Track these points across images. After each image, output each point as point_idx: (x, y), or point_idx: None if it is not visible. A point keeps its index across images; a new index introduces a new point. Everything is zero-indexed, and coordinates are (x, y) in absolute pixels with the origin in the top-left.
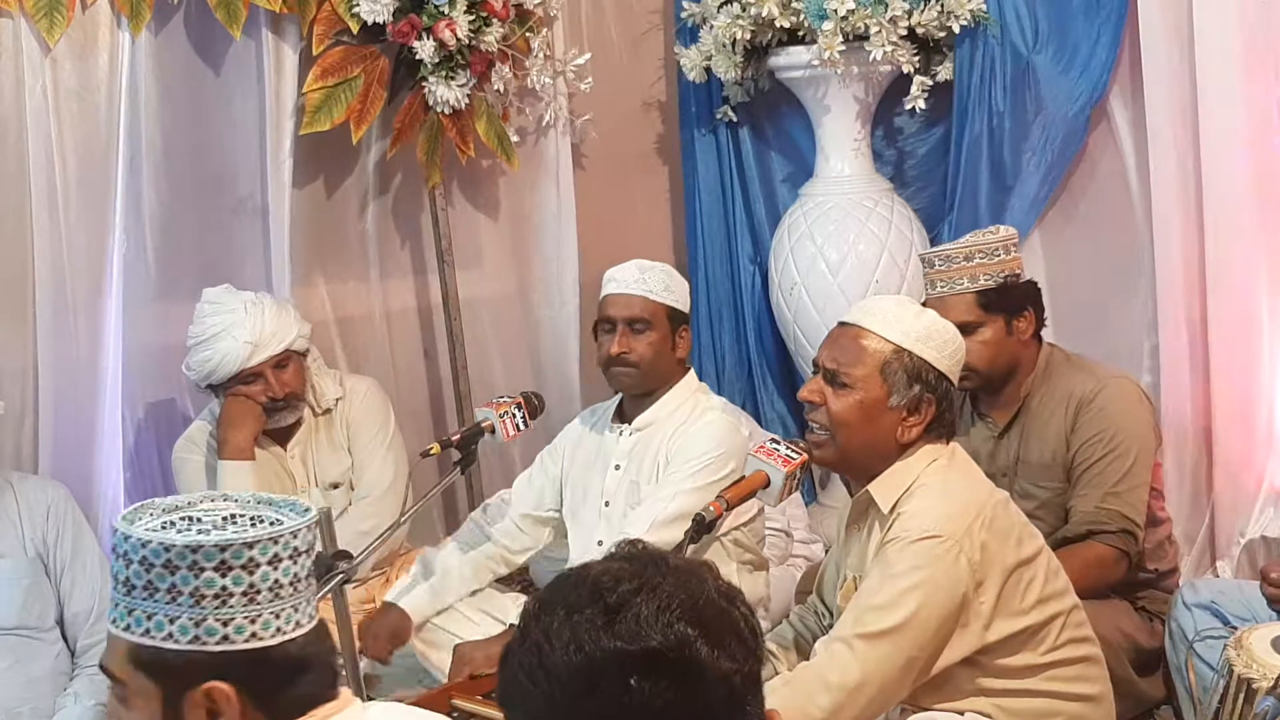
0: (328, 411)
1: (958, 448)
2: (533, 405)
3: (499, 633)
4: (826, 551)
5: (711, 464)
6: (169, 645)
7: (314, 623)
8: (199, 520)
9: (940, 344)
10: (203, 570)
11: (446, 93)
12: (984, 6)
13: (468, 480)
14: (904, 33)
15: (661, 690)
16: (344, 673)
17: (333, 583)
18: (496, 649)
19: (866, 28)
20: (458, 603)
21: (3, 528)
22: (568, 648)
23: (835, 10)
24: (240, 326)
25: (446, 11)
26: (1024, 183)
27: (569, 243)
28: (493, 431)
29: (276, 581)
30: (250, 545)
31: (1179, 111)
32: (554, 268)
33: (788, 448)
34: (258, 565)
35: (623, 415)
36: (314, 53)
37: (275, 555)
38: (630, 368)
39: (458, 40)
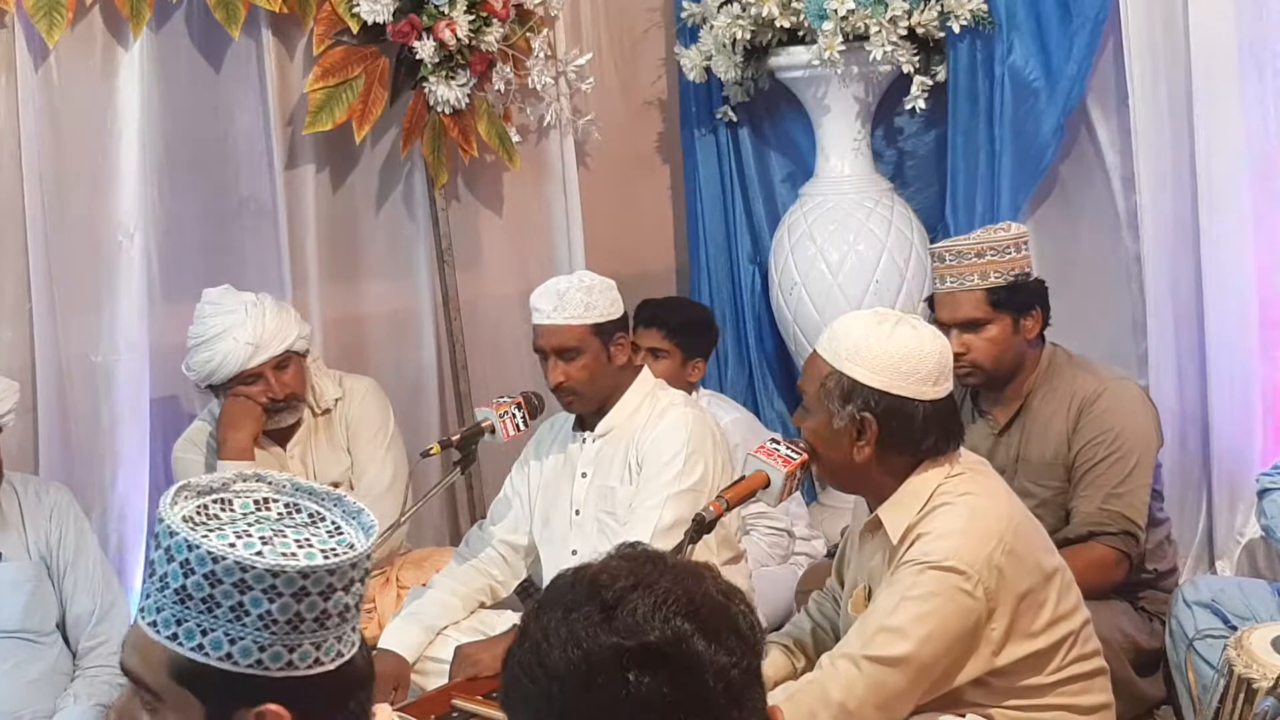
0: (327, 412)
1: (980, 465)
2: (533, 405)
3: (500, 634)
4: (827, 548)
5: (690, 459)
6: (224, 666)
7: (360, 637)
8: (231, 505)
9: (871, 360)
10: (279, 595)
11: (447, 93)
12: (984, 6)
13: (468, 480)
14: (904, 33)
15: (659, 685)
16: None
17: None
18: (498, 649)
19: (866, 28)
20: (449, 627)
21: (6, 530)
22: (566, 645)
23: (835, 10)
24: (241, 327)
25: (446, 11)
26: (1009, 186)
27: (576, 243)
28: (493, 431)
29: (346, 605)
30: (331, 572)
31: (1170, 113)
32: (559, 268)
33: (788, 448)
34: (334, 591)
35: (583, 423)
36: (314, 53)
37: (350, 580)
38: (572, 394)
39: (458, 40)
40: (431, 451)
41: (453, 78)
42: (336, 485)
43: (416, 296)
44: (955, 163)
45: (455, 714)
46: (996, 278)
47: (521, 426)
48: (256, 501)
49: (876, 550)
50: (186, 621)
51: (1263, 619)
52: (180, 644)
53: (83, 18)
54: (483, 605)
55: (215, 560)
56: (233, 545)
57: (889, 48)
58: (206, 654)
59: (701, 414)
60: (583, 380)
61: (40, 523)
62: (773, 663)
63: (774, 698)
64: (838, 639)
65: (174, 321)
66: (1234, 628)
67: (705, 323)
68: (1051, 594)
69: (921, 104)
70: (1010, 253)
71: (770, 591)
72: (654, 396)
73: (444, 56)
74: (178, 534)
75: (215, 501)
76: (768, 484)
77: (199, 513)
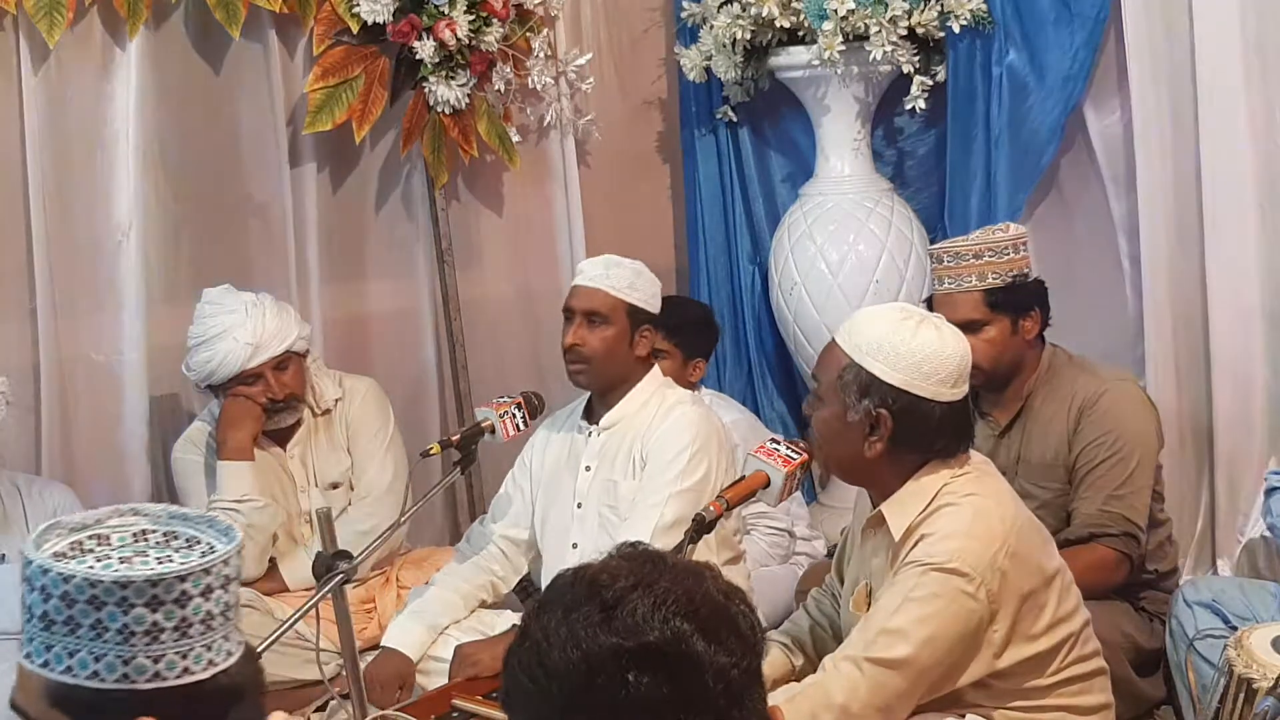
0: (327, 412)
1: (985, 465)
2: (533, 405)
3: (500, 633)
4: (827, 548)
5: (694, 458)
6: (94, 684)
7: (243, 649)
8: (108, 539)
9: (894, 357)
10: (132, 606)
11: (447, 92)
12: (984, 6)
13: (468, 480)
14: (904, 33)
15: (659, 685)
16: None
17: (333, 583)
18: (498, 649)
19: (866, 28)
20: (450, 626)
21: (9, 532)
22: (565, 645)
23: (835, 10)
24: (241, 327)
25: (446, 11)
26: (1007, 187)
27: (576, 243)
28: (493, 431)
29: (209, 613)
30: (183, 579)
31: (1171, 113)
32: (559, 268)
33: (788, 447)
34: (190, 598)
35: (590, 415)
36: (314, 53)
37: (208, 586)
38: (582, 362)
39: (458, 40)
40: (431, 451)
41: (453, 78)
42: (336, 485)
43: (416, 296)
44: (955, 163)
45: (455, 714)
46: (994, 279)
47: (521, 426)
48: (135, 534)
49: (879, 548)
50: (54, 646)
51: (1263, 619)
52: (51, 669)
53: (83, 18)
54: (483, 603)
55: (66, 580)
56: (91, 568)
57: (889, 48)
58: (75, 675)
59: (707, 413)
60: (598, 351)
61: (43, 524)
62: (771, 661)
63: (775, 699)
64: (836, 636)
65: (174, 321)
66: (1234, 628)
67: (705, 322)
68: (1052, 596)
69: (921, 104)
70: (1008, 254)
71: (770, 591)
72: (661, 394)
73: (444, 56)
74: (33, 562)
75: (90, 537)
76: (768, 484)
77: (71, 548)
